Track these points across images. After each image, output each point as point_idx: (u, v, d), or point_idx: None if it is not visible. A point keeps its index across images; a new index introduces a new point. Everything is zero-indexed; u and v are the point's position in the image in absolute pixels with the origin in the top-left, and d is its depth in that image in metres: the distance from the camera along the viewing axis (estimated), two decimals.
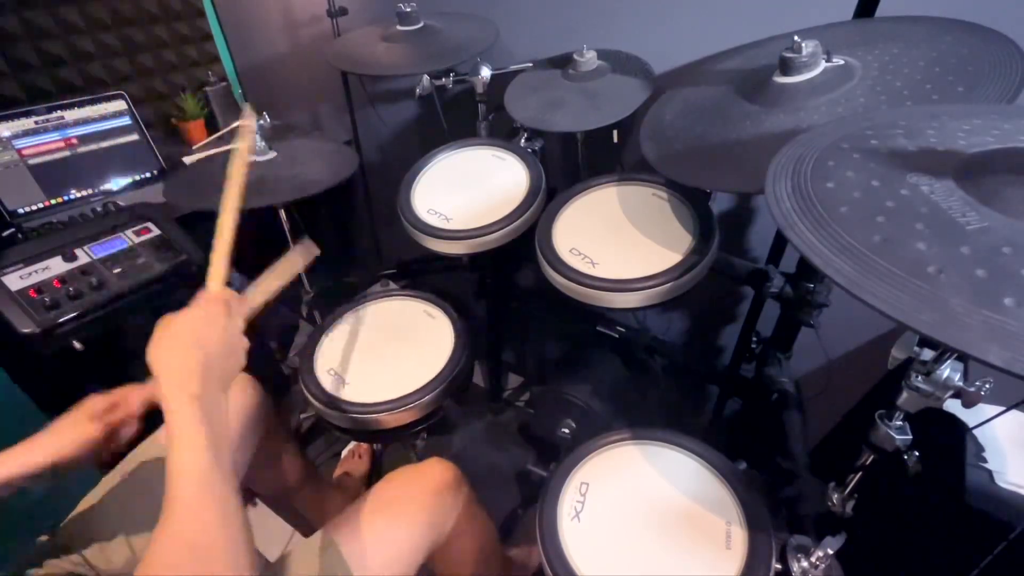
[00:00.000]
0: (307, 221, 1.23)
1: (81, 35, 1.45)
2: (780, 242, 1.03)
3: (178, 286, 1.17)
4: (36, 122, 1.28)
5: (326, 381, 0.93)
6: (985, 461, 0.75)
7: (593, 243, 0.84)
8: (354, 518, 0.72)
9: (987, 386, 0.50)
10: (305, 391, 0.93)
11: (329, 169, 1.09)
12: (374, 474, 1.42)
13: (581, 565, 0.65)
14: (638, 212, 0.88)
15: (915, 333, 0.45)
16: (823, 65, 0.72)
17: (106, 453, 0.66)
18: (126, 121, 1.41)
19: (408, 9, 1.14)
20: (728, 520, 0.68)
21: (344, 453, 1.46)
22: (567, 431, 1.05)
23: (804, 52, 0.71)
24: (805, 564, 0.63)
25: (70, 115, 1.32)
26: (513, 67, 1.14)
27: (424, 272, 1.50)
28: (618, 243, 0.84)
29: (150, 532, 0.63)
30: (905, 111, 0.61)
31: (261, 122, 1.09)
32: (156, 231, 1.20)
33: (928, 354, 0.51)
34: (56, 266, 1.07)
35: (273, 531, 1.29)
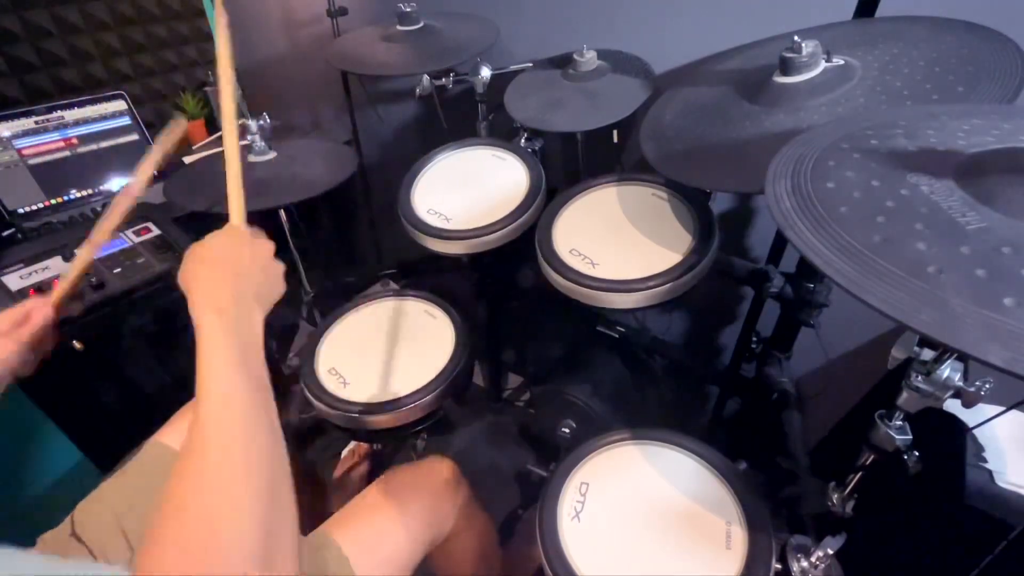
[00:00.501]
0: (307, 221, 1.23)
1: (81, 35, 1.45)
2: (780, 242, 1.03)
3: (177, 286, 1.17)
4: (36, 122, 1.28)
5: (326, 381, 0.93)
6: (985, 461, 0.75)
7: (593, 243, 0.84)
8: (352, 516, 0.72)
9: (987, 386, 0.50)
10: (305, 391, 0.93)
11: (329, 169, 1.09)
12: (374, 474, 1.42)
13: (581, 565, 0.65)
14: (638, 212, 0.88)
15: (915, 333, 0.45)
16: (823, 65, 0.72)
17: (25, 368, 0.65)
18: (126, 121, 1.40)
19: (408, 9, 1.14)
20: (728, 520, 0.68)
21: (344, 453, 1.46)
22: (567, 431, 1.05)
23: (804, 52, 0.71)
24: (805, 564, 0.63)
25: (70, 115, 1.32)
26: (513, 67, 1.14)
27: (424, 272, 1.50)
28: (618, 243, 0.84)
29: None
30: (905, 111, 0.61)
31: (261, 122, 1.09)
32: (156, 231, 1.20)
33: (928, 354, 0.51)
34: (56, 266, 1.07)
35: None
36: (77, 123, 1.33)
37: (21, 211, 1.27)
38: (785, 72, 0.74)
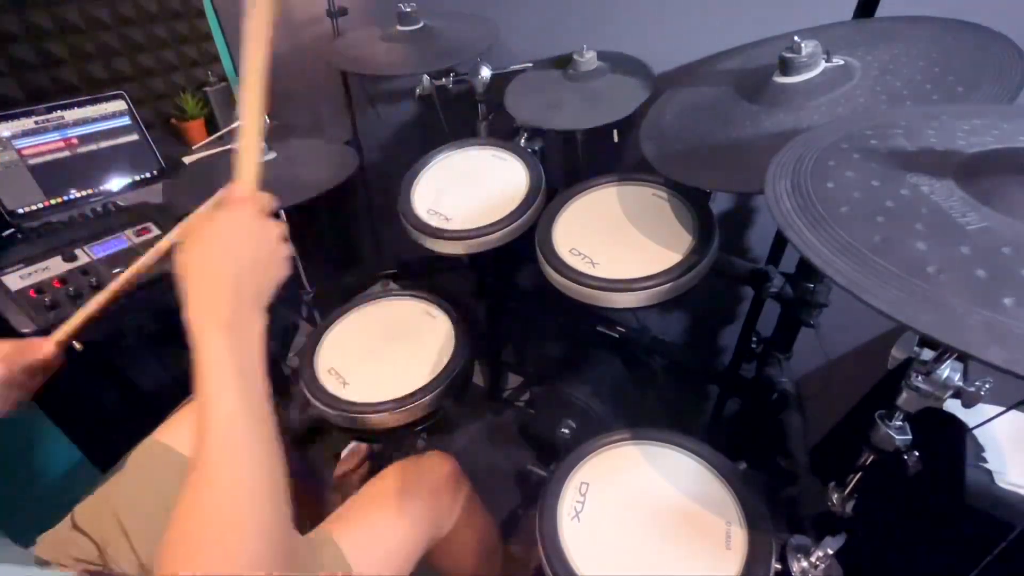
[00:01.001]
0: (307, 221, 1.23)
1: (81, 35, 1.45)
2: (780, 242, 1.03)
3: (178, 286, 1.17)
4: (36, 122, 1.28)
5: (326, 381, 0.93)
6: (985, 461, 0.75)
7: (593, 243, 0.84)
8: (352, 512, 0.72)
9: (987, 386, 0.50)
10: (305, 391, 0.93)
11: (329, 169, 1.09)
12: (374, 474, 1.42)
13: (581, 565, 0.65)
14: (638, 212, 0.88)
15: (915, 333, 0.45)
16: (823, 65, 0.72)
17: (19, 395, 0.65)
18: (126, 121, 1.40)
19: (408, 9, 1.13)
20: (728, 520, 0.68)
21: (344, 453, 1.45)
22: (567, 431, 1.05)
23: (804, 52, 0.71)
24: (805, 564, 0.63)
25: (70, 115, 1.32)
26: (513, 67, 1.14)
27: (424, 272, 1.50)
28: (618, 243, 0.84)
29: (154, 529, 0.63)
30: (905, 111, 0.61)
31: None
32: (156, 231, 1.20)
33: (928, 354, 0.51)
34: (56, 266, 1.07)
35: None
36: (77, 123, 1.33)
37: (21, 211, 1.27)
38: (785, 72, 0.74)
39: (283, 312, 1.80)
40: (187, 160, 1.47)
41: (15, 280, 1.02)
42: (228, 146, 1.40)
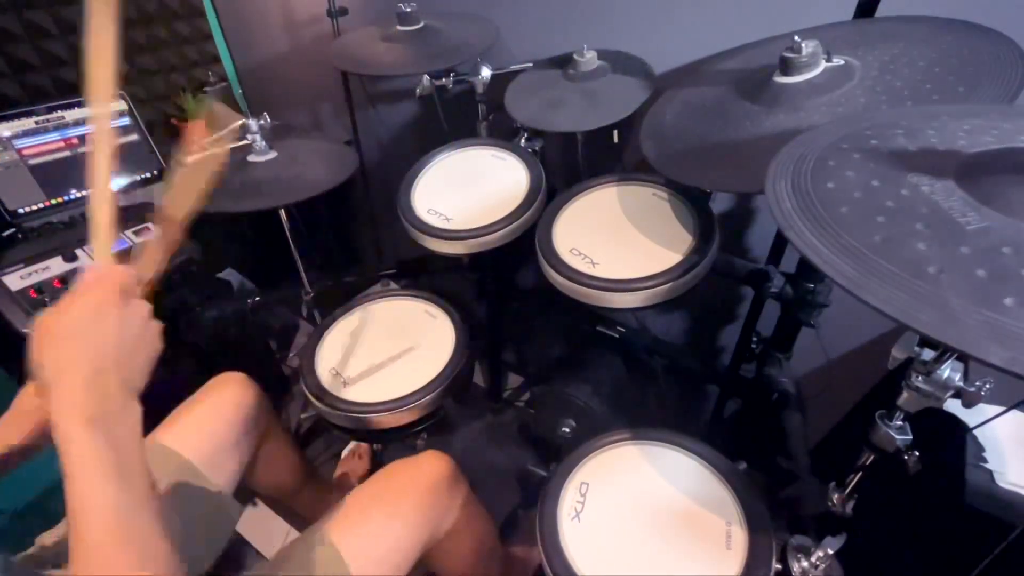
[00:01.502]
0: (307, 221, 1.23)
1: (81, 35, 1.45)
2: (780, 242, 1.03)
3: (178, 286, 1.17)
4: (36, 122, 1.28)
5: (326, 381, 0.94)
6: (985, 461, 0.75)
7: (593, 243, 0.84)
8: (349, 513, 0.72)
9: (987, 386, 0.50)
10: (305, 391, 0.93)
11: (329, 169, 1.09)
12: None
13: (581, 565, 0.65)
14: (638, 212, 0.88)
15: (915, 333, 0.45)
16: (823, 65, 0.72)
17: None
18: (126, 121, 1.40)
19: (408, 9, 1.14)
20: (728, 520, 0.68)
21: (344, 453, 1.46)
22: (567, 431, 1.05)
23: (804, 52, 0.71)
24: (805, 564, 0.63)
25: (70, 115, 1.32)
26: (513, 67, 1.14)
27: (424, 272, 1.50)
28: (618, 243, 0.84)
29: None
30: (905, 111, 0.61)
31: (261, 122, 1.09)
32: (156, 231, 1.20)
33: (928, 354, 0.51)
34: (56, 266, 1.07)
35: (273, 531, 1.29)
36: (77, 123, 1.33)
37: (21, 211, 1.26)
38: (785, 72, 0.74)
39: (283, 312, 1.80)
40: (187, 160, 1.47)
41: (15, 280, 1.02)
42: (229, 147, 1.40)
